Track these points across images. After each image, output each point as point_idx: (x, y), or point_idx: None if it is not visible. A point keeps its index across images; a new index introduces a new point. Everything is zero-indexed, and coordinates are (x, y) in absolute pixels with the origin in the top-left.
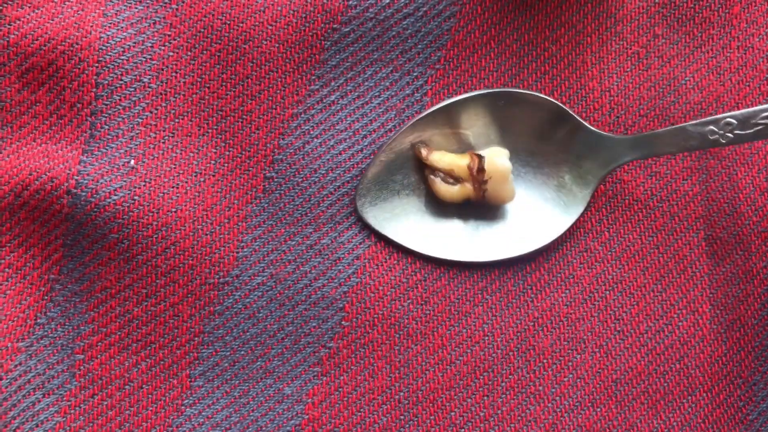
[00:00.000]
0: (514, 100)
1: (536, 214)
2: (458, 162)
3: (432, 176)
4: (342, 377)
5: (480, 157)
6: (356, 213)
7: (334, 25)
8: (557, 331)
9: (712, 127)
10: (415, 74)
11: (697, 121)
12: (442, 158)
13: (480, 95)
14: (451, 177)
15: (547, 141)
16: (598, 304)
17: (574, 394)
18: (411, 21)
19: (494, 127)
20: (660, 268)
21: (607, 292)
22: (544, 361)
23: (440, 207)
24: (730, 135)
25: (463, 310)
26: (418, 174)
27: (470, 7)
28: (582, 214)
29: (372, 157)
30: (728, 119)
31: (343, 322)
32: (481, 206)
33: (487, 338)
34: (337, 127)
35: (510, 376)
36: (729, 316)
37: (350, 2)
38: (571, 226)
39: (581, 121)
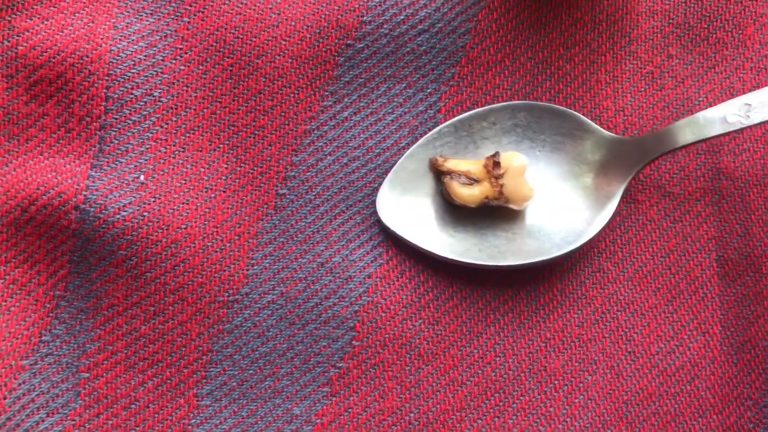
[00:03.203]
0: (534, 112)
1: (557, 224)
2: (475, 164)
3: (449, 179)
4: (352, 398)
5: (496, 154)
6: (376, 215)
7: (348, 41)
8: (569, 352)
9: (731, 109)
10: (428, 91)
11: (715, 106)
12: (458, 163)
13: (501, 107)
14: (468, 178)
15: (569, 152)
16: (609, 325)
17: (585, 415)
18: (425, 37)
19: (515, 139)
20: (671, 289)
21: (619, 313)
22: (556, 382)
23: (461, 215)
24: (751, 115)
25: (474, 331)
26: (439, 184)
27: (485, 24)
28: (608, 223)
29: (392, 166)
30: (746, 100)
31: (353, 342)
32: (500, 212)
33: (498, 359)
34: (350, 144)
35: (521, 398)
36: (740, 338)
37: (365, 18)
38: (598, 234)
39: (599, 128)
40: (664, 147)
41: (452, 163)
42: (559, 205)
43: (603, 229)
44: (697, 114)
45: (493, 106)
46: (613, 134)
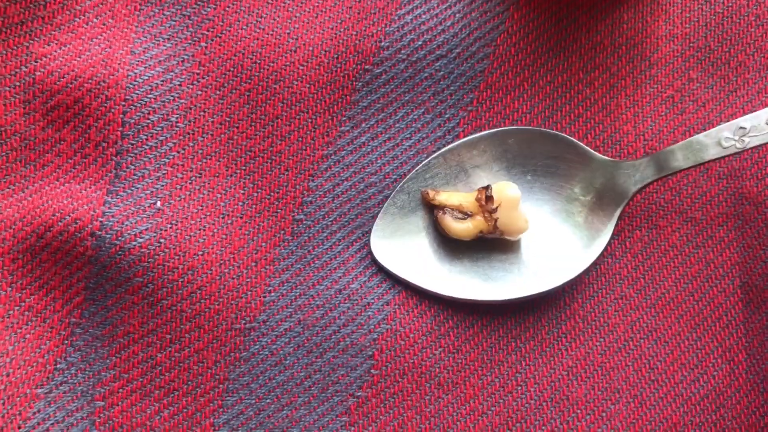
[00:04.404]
0: (524, 137)
1: (555, 251)
2: (467, 197)
3: (441, 213)
4: (370, 427)
5: (487, 187)
6: (371, 256)
7: (366, 66)
8: (591, 380)
9: (726, 133)
10: (447, 116)
11: (709, 130)
12: (450, 196)
13: (490, 134)
14: (461, 212)
15: (561, 176)
16: (632, 353)
17: None
18: (444, 62)
19: (506, 166)
20: (695, 315)
21: (642, 341)
22: (578, 411)
23: (455, 248)
24: (745, 139)
25: (495, 359)
26: (432, 216)
27: (503, 49)
28: (605, 249)
29: (385, 200)
30: (741, 124)
31: (372, 371)
32: (495, 243)
33: (520, 388)
34: (367, 170)
35: (543, 427)
36: (766, 366)
37: (382, 43)
38: (594, 262)
39: (592, 152)
40: (658, 172)
41: (444, 197)
42: (555, 232)
43: (600, 255)
44: (690, 138)
45: (482, 133)
46: (605, 157)
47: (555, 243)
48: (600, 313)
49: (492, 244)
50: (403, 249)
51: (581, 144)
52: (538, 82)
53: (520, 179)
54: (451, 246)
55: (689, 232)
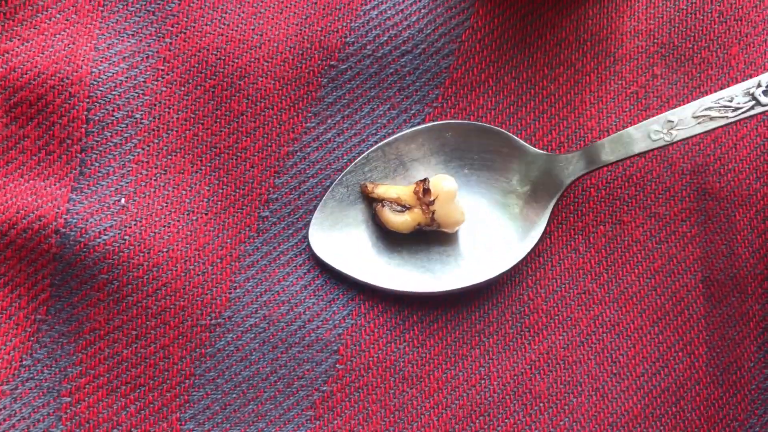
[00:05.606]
0: (461, 131)
1: (491, 242)
2: (405, 190)
3: (380, 206)
4: (336, 421)
5: (425, 180)
6: (310, 251)
7: (332, 62)
8: (554, 374)
9: (654, 126)
10: (412, 112)
11: (639, 123)
12: (388, 189)
13: (428, 128)
14: (399, 205)
15: (498, 169)
16: (595, 347)
17: None
18: (409, 58)
19: (444, 159)
20: (657, 310)
21: (605, 335)
22: (541, 404)
23: (394, 240)
24: (673, 132)
25: (459, 353)
26: (371, 209)
27: (469, 45)
28: (540, 241)
29: (323, 195)
30: (669, 117)
31: (337, 365)
32: (434, 235)
33: (483, 381)
34: (333, 166)
35: (506, 420)
36: (725, 359)
37: (348, 39)
38: (529, 253)
39: (527, 145)
40: (589, 165)
41: (382, 189)
42: (492, 224)
43: (536, 246)
44: (621, 131)
45: (420, 126)
46: (539, 150)
47: (492, 235)
48: (563, 307)
49: (430, 237)
50: (342, 242)
51: (516, 138)
52: (503, 78)
53: (458, 172)
54: (390, 239)
55: (653, 227)
